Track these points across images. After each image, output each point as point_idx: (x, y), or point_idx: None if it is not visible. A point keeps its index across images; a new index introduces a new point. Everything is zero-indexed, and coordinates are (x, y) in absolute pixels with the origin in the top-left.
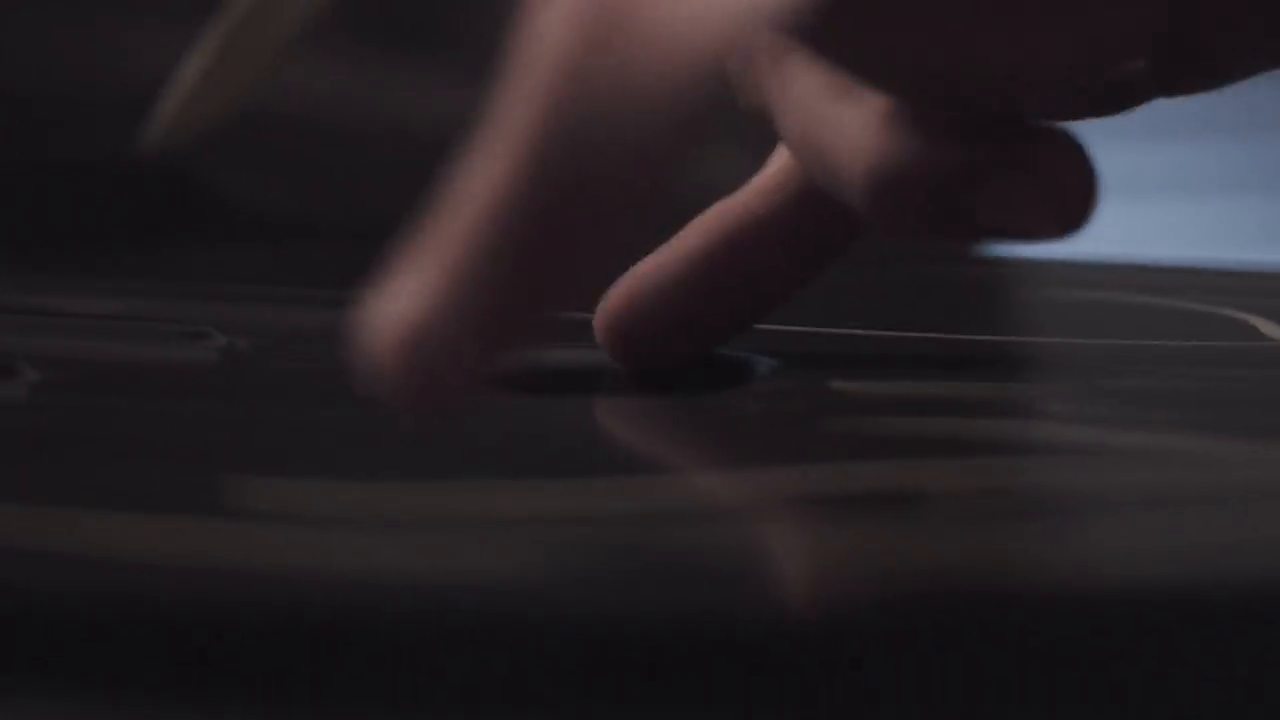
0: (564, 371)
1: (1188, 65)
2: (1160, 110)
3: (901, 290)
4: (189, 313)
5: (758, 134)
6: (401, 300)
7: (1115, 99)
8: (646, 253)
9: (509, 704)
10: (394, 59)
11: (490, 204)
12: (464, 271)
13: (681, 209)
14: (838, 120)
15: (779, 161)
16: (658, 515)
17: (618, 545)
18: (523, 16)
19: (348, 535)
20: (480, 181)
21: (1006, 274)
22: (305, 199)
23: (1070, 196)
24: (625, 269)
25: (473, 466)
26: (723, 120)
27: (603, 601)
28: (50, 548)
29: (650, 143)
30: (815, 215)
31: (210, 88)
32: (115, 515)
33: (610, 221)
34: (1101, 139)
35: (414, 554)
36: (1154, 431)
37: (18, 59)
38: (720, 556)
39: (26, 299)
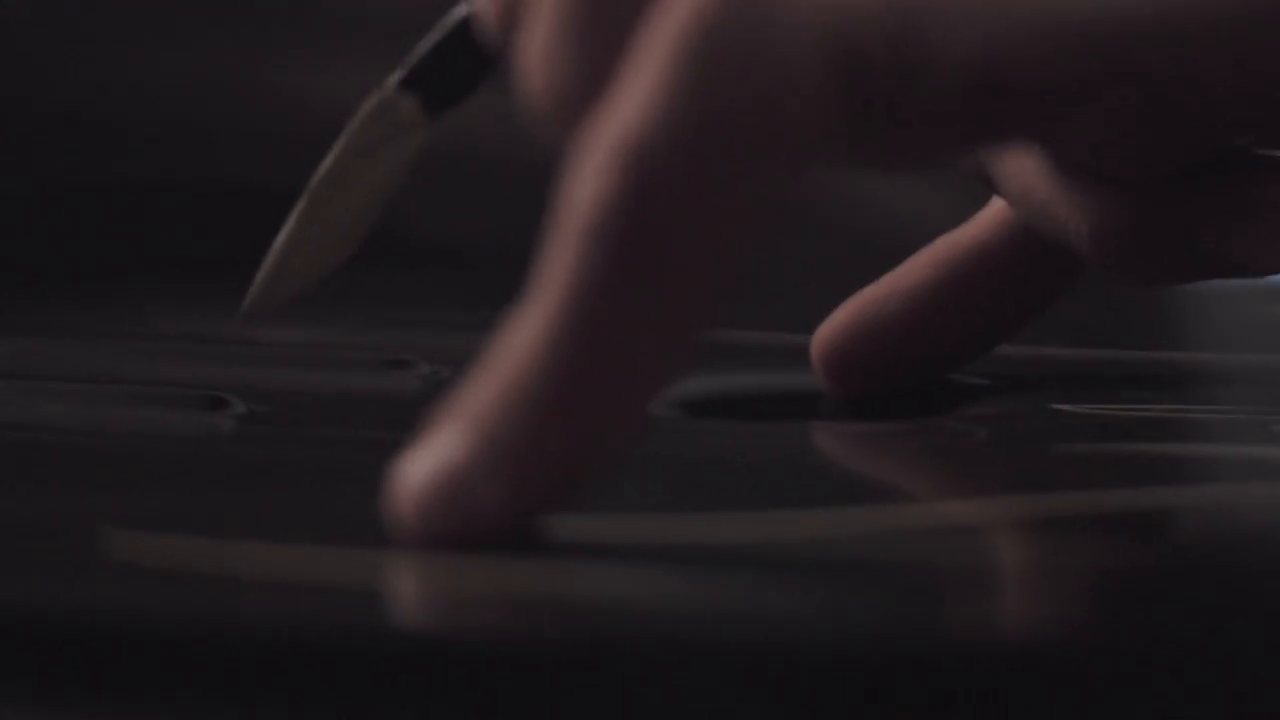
0: (778, 396)
1: None
2: None
3: (1104, 307)
4: (391, 341)
5: None
6: (431, 454)
7: None
8: None
9: None
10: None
11: (518, 366)
12: (493, 425)
13: None
14: (1055, 181)
15: None
16: (895, 541)
17: (853, 572)
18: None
19: (567, 564)
20: (513, 344)
21: (1214, 290)
22: (496, 229)
23: None
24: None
25: (694, 495)
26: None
27: (839, 629)
28: (260, 580)
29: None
30: (1044, 250)
31: (301, 256)
32: (324, 548)
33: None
34: None
35: (643, 583)
36: None
37: (209, 86)
38: (959, 581)
39: (231, 329)
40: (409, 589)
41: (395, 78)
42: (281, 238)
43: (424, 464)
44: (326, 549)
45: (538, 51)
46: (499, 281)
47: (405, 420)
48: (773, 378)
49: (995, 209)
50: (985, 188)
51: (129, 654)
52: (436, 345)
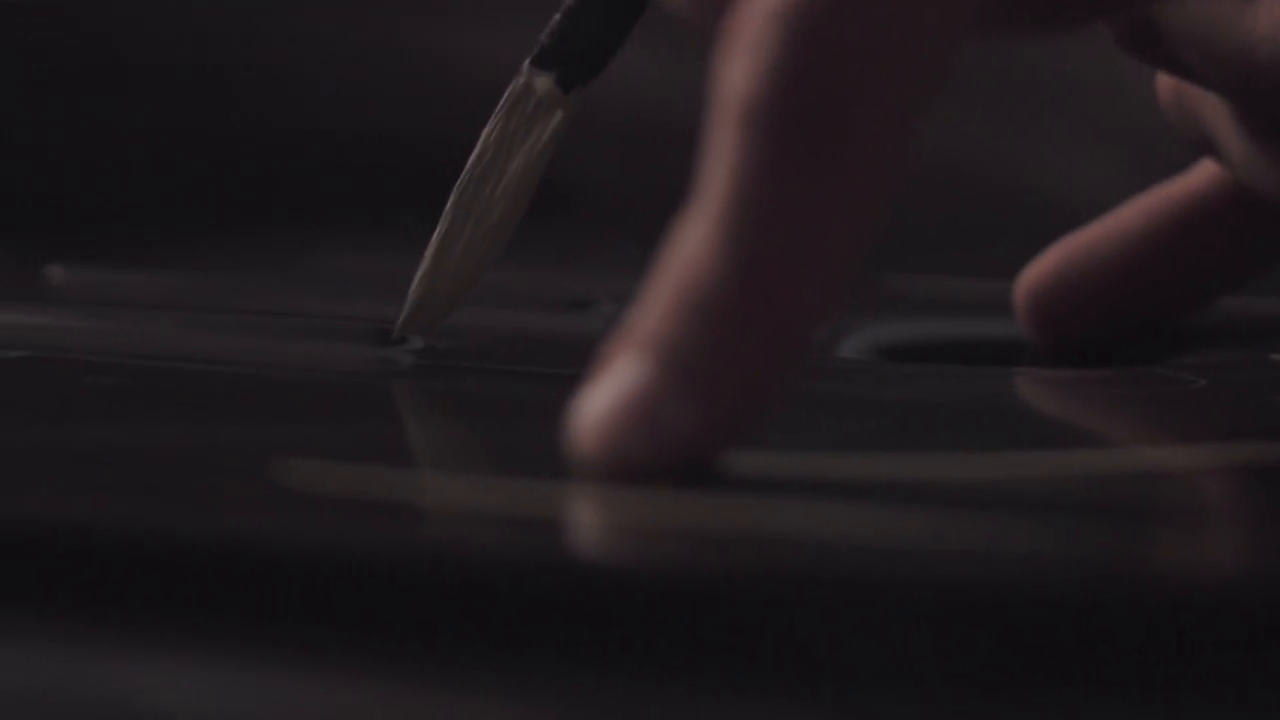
0: (978, 343)
1: None
2: None
3: None
4: (573, 280)
5: None
6: (613, 382)
7: None
8: None
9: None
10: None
11: (691, 273)
12: (673, 342)
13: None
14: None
15: None
16: (1096, 484)
17: (1052, 513)
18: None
19: (757, 499)
20: (682, 251)
21: None
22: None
23: None
24: None
25: (890, 436)
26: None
27: (1034, 570)
28: (440, 509)
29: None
30: (1266, 208)
31: (454, 260)
32: (503, 478)
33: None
34: None
35: (835, 519)
36: None
37: (370, 45)
38: (1160, 526)
39: (403, 265)
40: (591, 520)
41: (529, 60)
42: (433, 242)
43: (606, 393)
44: (505, 479)
45: None
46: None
47: (587, 359)
48: (971, 324)
49: (1212, 165)
50: (1200, 154)
51: (308, 584)
52: (619, 286)
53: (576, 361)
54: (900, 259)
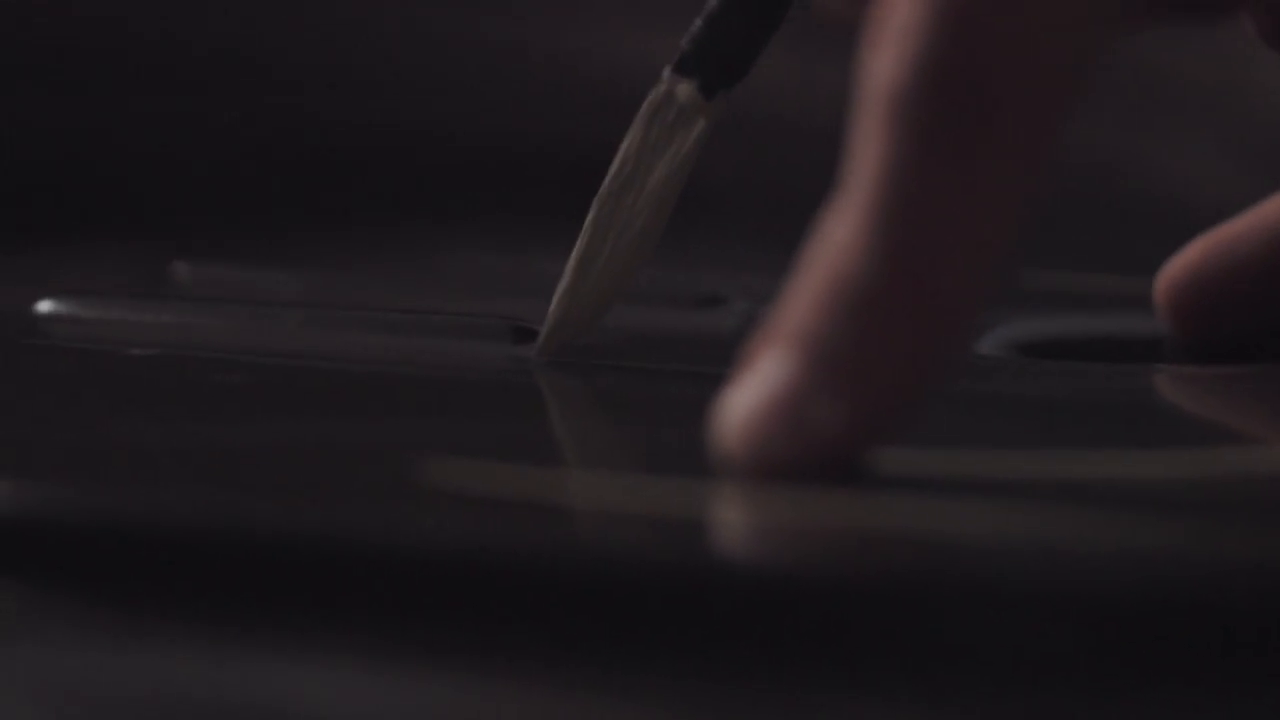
0: (1118, 339)
1: None
2: None
3: None
4: (705, 278)
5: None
6: (759, 381)
7: None
8: None
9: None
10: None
11: (838, 267)
12: (820, 339)
13: None
14: None
15: None
16: (1241, 484)
17: (1195, 513)
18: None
19: (901, 497)
20: (828, 245)
21: None
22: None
23: None
24: None
25: (1031, 434)
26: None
27: (1177, 570)
28: (581, 508)
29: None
30: None
31: (596, 272)
32: (643, 476)
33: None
34: None
35: (980, 518)
36: None
37: (504, 49)
38: None
39: (529, 264)
40: (735, 519)
41: (670, 68)
42: (573, 257)
43: (752, 392)
44: (646, 477)
45: None
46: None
47: (722, 356)
48: (1110, 321)
49: None
50: None
51: (454, 584)
52: (752, 283)
53: (711, 359)
54: (1038, 255)
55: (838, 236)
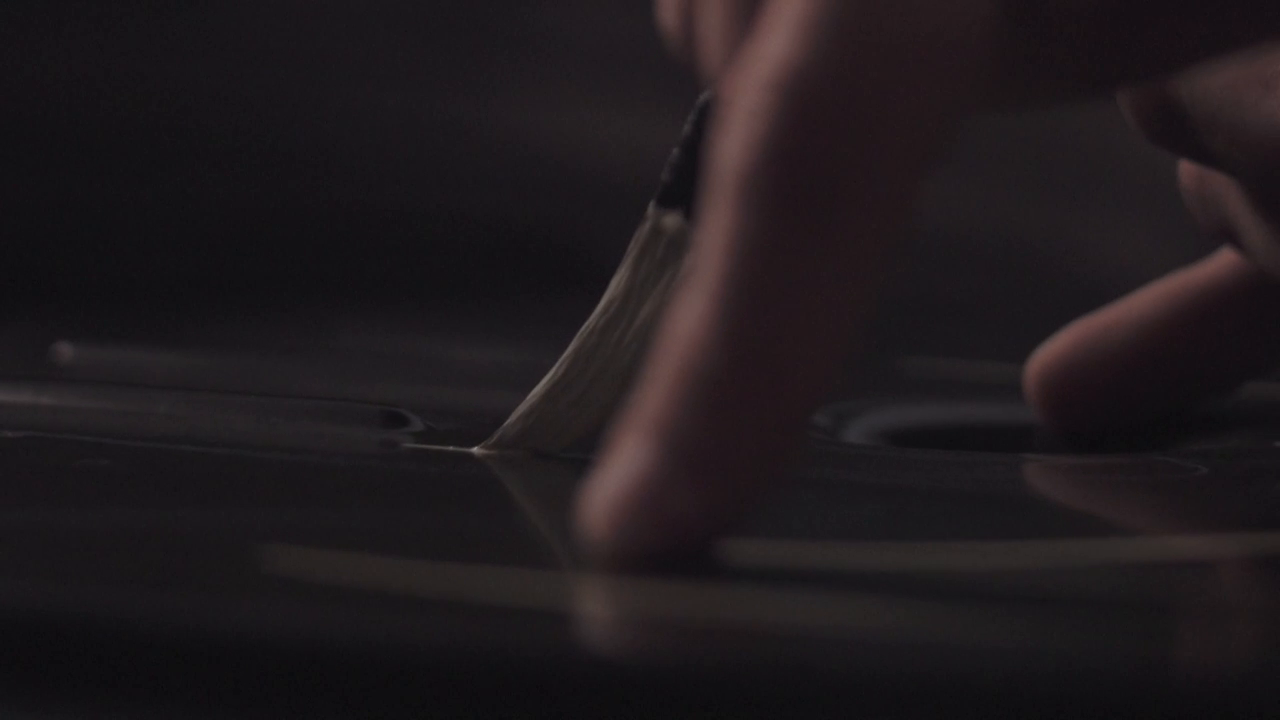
0: (987, 428)
1: None
2: None
3: None
4: None
5: None
6: (619, 467)
7: None
8: None
9: None
10: None
11: (688, 351)
12: (673, 424)
13: None
14: None
15: None
16: (1101, 575)
17: (1057, 605)
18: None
19: (761, 589)
20: (678, 329)
21: None
22: None
23: None
24: None
25: (897, 524)
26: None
27: (1039, 663)
28: (426, 598)
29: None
30: None
31: (571, 402)
32: (490, 566)
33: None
34: None
35: (840, 610)
36: None
37: (411, 113)
38: (1166, 618)
39: (421, 347)
40: (582, 609)
41: (654, 202)
42: (546, 382)
43: (614, 480)
44: (492, 568)
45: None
46: None
47: (586, 444)
48: (982, 408)
49: (1233, 253)
50: (1221, 242)
51: (291, 673)
52: None
53: (575, 447)
54: (910, 340)
55: (686, 322)
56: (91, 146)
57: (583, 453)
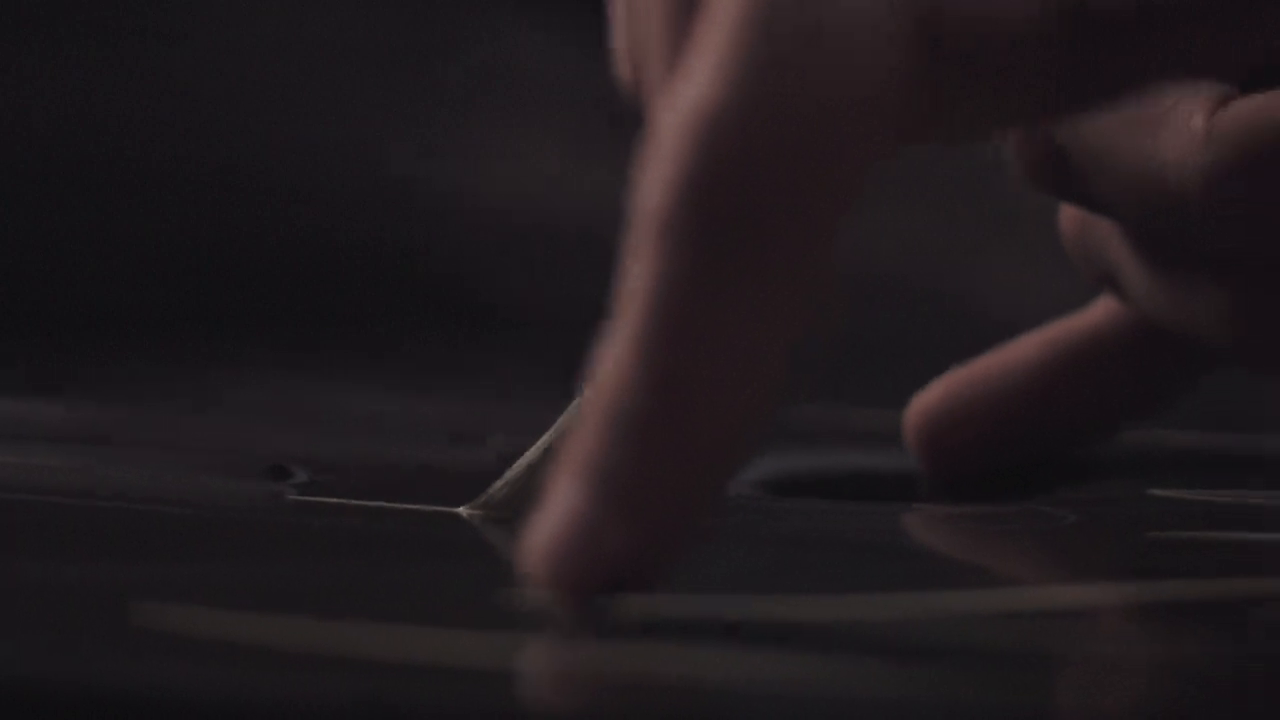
0: (868, 476)
1: None
2: None
3: (1216, 386)
4: (467, 414)
5: None
6: (556, 506)
7: None
8: None
9: None
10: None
11: (614, 392)
12: (603, 463)
13: None
14: (1183, 274)
15: None
16: (970, 627)
17: (928, 657)
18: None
19: (646, 643)
20: (604, 370)
21: None
22: (578, 303)
23: None
24: None
25: (778, 575)
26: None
27: (911, 714)
28: (290, 654)
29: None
30: (1168, 342)
31: (546, 478)
32: (363, 622)
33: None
34: None
35: (725, 663)
36: None
37: (297, 149)
38: (1033, 669)
39: (307, 398)
40: (454, 665)
41: None
42: (534, 449)
43: (551, 519)
44: (370, 623)
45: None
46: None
47: (470, 495)
48: (867, 456)
49: (1112, 300)
50: (1101, 289)
51: None
52: (514, 418)
53: (457, 499)
54: (807, 386)
55: (612, 362)
56: None
57: (471, 505)
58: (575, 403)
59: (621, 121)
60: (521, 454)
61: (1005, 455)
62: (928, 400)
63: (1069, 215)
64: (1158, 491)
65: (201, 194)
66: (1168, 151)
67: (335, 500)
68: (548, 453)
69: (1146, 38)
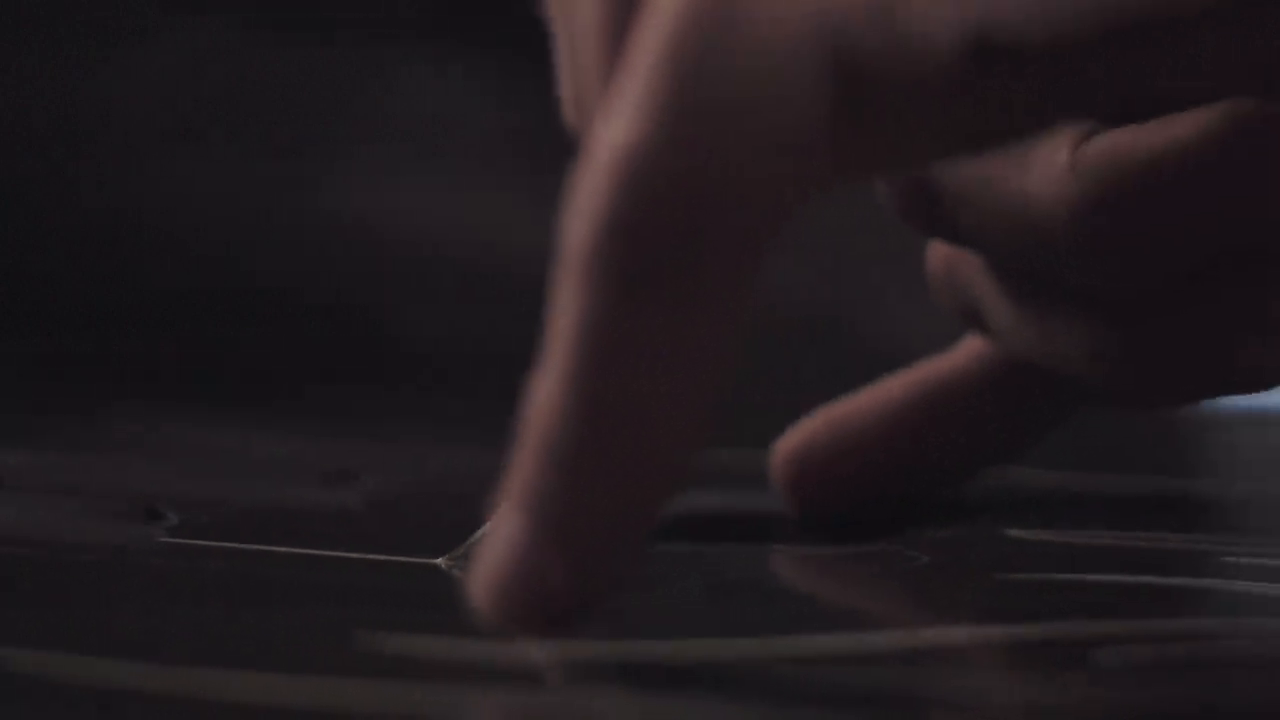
0: (732, 516)
1: None
2: None
3: (1079, 428)
4: (340, 453)
5: None
6: (497, 540)
7: None
8: None
9: None
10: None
11: (546, 428)
12: (538, 496)
13: None
14: (1047, 310)
15: None
16: (823, 670)
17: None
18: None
19: (476, 688)
20: (536, 406)
21: (1187, 416)
22: (475, 340)
23: None
24: None
25: (647, 619)
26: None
27: None
28: (143, 698)
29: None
30: (1034, 380)
31: None
32: (215, 670)
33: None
34: None
35: (557, 711)
36: None
37: (189, 189)
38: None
39: (184, 438)
40: (295, 710)
41: None
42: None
43: (493, 550)
44: (227, 670)
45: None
46: (470, 396)
47: (338, 537)
48: (740, 497)
49: (976, 341)
50: (968, 327)
51: None
52: (387, 459)
53: (326, 540)
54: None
55: (542, 395)
56: None
57: (332, 549)
58: None
59: (531, 157)
60: (393, 494)
61: (872, 495)
62: (795, 439)
63: (937, 254)
64: (1014, 532)
65: (88, 232)
66: (1033, 185)
67: (203, 541)
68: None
69: (1056, 74)
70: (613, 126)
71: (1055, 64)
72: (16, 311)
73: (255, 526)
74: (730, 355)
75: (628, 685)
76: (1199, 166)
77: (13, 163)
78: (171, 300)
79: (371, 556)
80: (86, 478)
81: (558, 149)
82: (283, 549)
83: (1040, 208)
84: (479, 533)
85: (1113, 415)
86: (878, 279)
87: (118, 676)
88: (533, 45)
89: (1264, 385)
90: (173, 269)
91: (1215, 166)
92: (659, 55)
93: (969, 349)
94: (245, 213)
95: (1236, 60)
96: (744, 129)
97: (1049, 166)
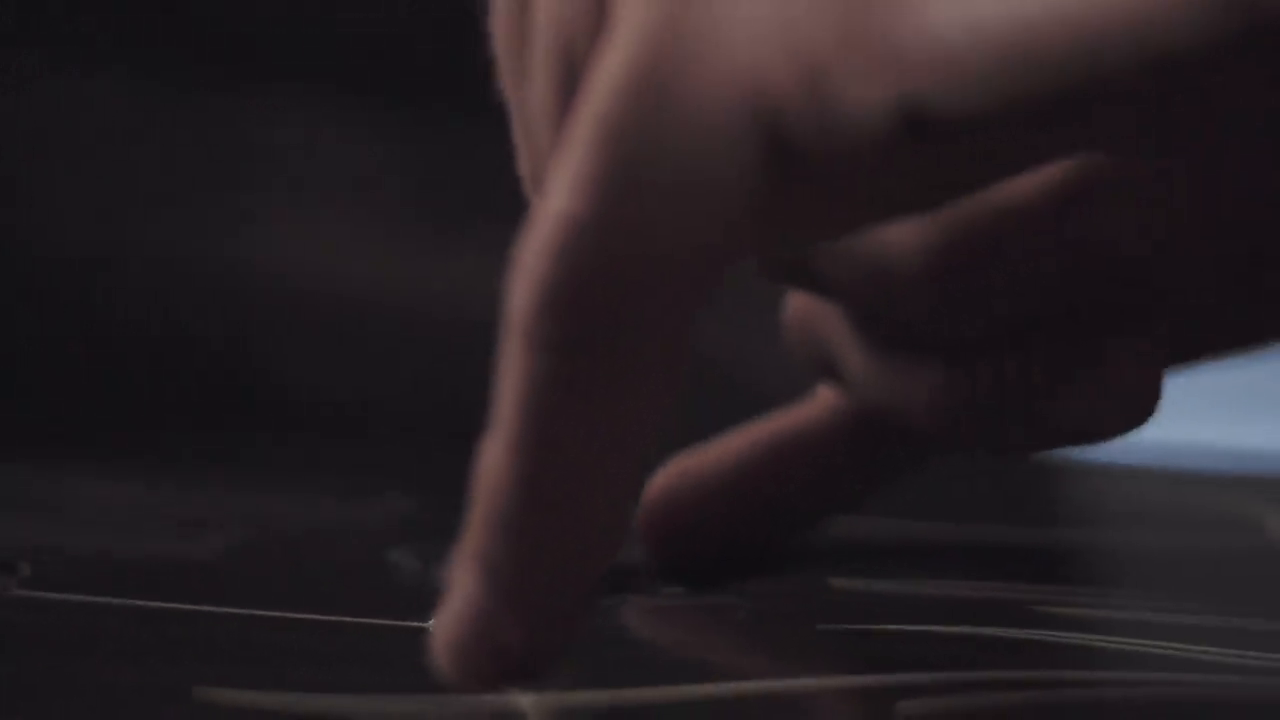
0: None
1: None
2: None
3: (924, 477)
4: (201, 503)
5: None
6: (454, 599)
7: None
8: None
9: None
10: (454, 241)
11: (493, 491)
12: (489, 556)
13: None
14: (891, 360)
15: None
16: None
17: None
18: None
19: None
20: (484, 469)
21: (1027, 465)
22: (362, 388)
23: (1137, 395)
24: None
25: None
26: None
27: None
28: None
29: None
30: (882, 431)
31: None
32: None
33: (615, 482)
34: None
35: None
36: (1170, 639)
37: (71, 227)
38: None
39: (42, 487)
40: None
41: None
42: None
43: (450, 610)
44: None
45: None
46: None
47: (187, 590)
48: None
49: (826, 393)
50: (823, 377)
51: None
52: (251, 511)
53: (176, 593)
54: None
55: (488, 460)
56: None
57: (180, 603)
58: None
59: (418, 207)
60: (250, 544)
61: (716, 545)
62: (651, 490)
63: (793, 305)
64: (838, 582)
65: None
66: (890, 232)
67: (54, 595)
68: None
69: (986, 144)
70: (552, 198)
71: (985, 135)
72: None
73: (110, 578)
74: (660, 418)
75: None
76: (1040, 219)
77: None
78: (31, 346)
79: (223, 610)
80: None
81: (445, 200)
82: (136, 602)
83: (895, 254)
84: None
85: (960, 464)
86: (743, 322)
87: None
88: (431, 94)
89: (1100, 437)
90: (34, 315)
91: (1054, 219)
92: (595, 130)
93: (822, 400)
94: (116, 260)
95: (1148, 131)
96: (675, 205)
97: None
